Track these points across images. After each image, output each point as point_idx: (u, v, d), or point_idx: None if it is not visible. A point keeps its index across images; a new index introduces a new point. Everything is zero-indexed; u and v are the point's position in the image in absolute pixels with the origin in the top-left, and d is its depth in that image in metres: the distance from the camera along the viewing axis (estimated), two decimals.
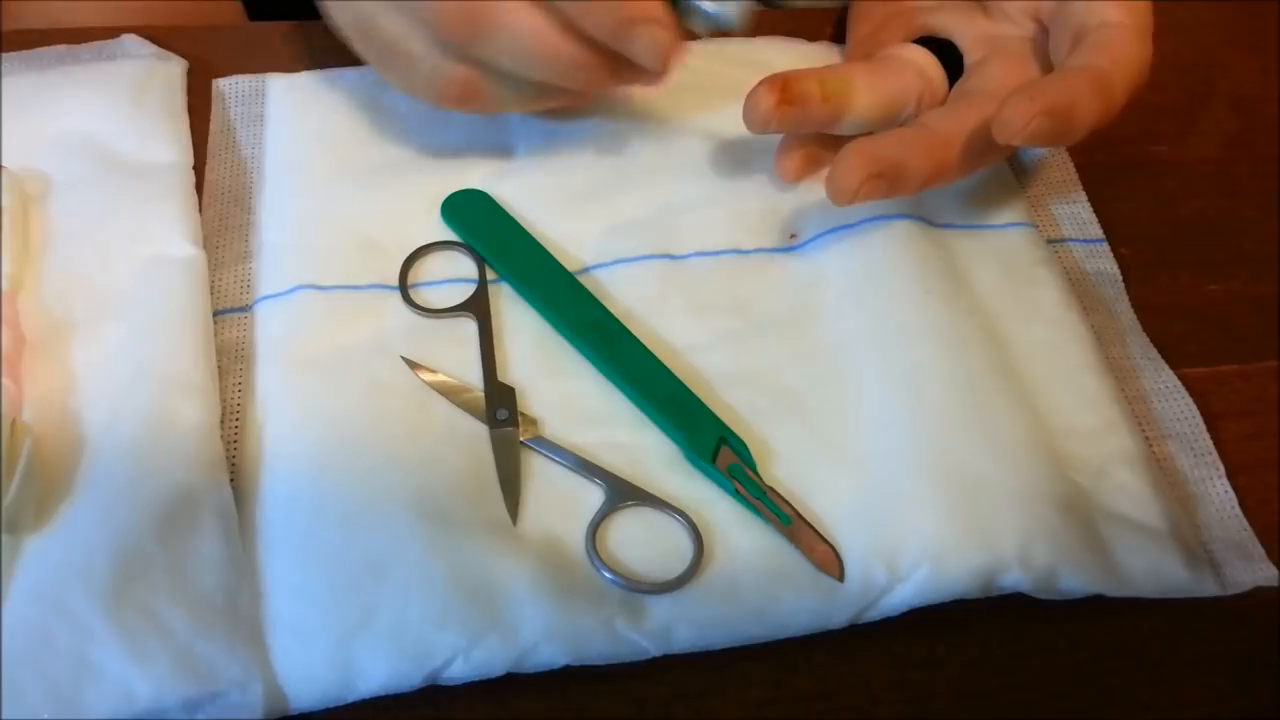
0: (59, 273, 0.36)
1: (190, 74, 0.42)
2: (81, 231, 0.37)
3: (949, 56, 0.40)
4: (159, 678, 0.28)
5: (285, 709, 0.29)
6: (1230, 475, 0.35)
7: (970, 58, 0.39)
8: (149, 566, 0.30)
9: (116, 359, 0.34)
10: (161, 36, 0.43)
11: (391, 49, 0.35)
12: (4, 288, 0.34)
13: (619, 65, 0.34)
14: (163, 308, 0.35)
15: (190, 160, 0.39)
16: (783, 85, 0.36)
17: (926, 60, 0.39)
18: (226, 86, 0.42)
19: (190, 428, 0.32)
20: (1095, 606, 0.32)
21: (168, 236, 0.36)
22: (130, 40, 0.43)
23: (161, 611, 0.29)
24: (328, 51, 0.44)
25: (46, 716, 0.28)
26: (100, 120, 0.39)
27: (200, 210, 0.38)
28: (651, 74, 0.34)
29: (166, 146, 0.39)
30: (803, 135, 0.40)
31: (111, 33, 0.43)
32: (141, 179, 0.38)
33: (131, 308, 0.35)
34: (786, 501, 0.32)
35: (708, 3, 0.35)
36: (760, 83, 0.36)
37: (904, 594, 0.31)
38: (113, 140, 0.39)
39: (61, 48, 0.42)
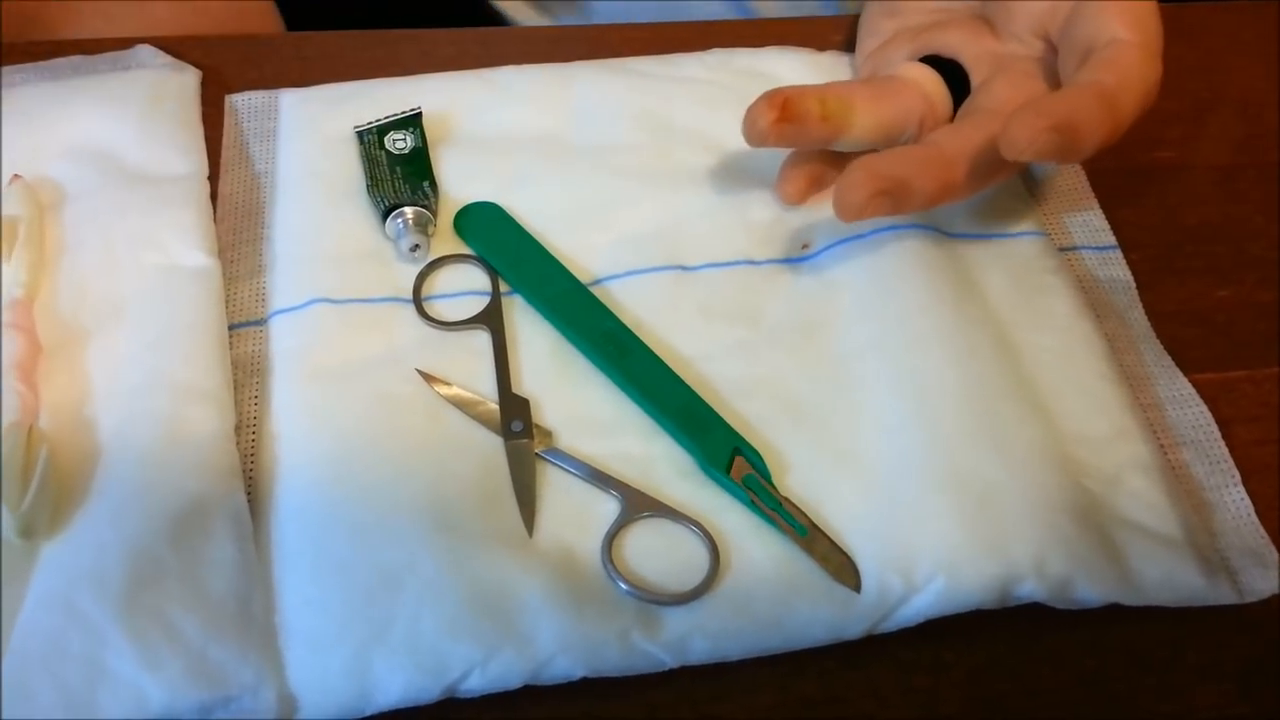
0: (74, 281, 0.36)
1: (202, 84, 0.43)
2: (96, 240, 0.37)
3: (955, 76, 0.40)
4: (171, 682, 0.29)
5: (296, 715, 0.29)
6: None
7: (976, 77, 0.40)
8: (162, 572, 0.30)
9: (130, 366, 0.34)
10: (175, 46, 0.43)
11: None
12: (20, 296, 0.35)
13: None
14: (177, 316, 0.35)
15: (205, 170, 0.39)
16: (783, 102, 0.36)
17: (930, 81, 0.40)
18: (240, 101, 0.42)
19: (204, 435, 0.33)
20: (1103, 612, 0.32)
21: (182, 246, 0.37)
22: (145, 50, 0.43)
23: (174, 616, 0.29)
24: (340, 61, 0.45)
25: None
26: (115, 130, 0.40)
27: (214, 225, 0.38)
28: None
29: (181, 156, 0.39)
30: (805, 155, 0.40)
31: (126, 43, 0.43)
32: (156, 188, 0.38)
33: (146, 316, 0.35)
34: (802, 512, 0.33)
35: (397, 222, 0.38)
36: (760, 97, 0.37)
37: (920, 605, 0.31)
38: (127, 150, 0.39)
39: (76, 58, 0.42)
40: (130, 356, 0.34)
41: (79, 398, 0.33)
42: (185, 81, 0.42)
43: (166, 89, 0.41)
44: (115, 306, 0.35)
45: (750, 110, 0.37)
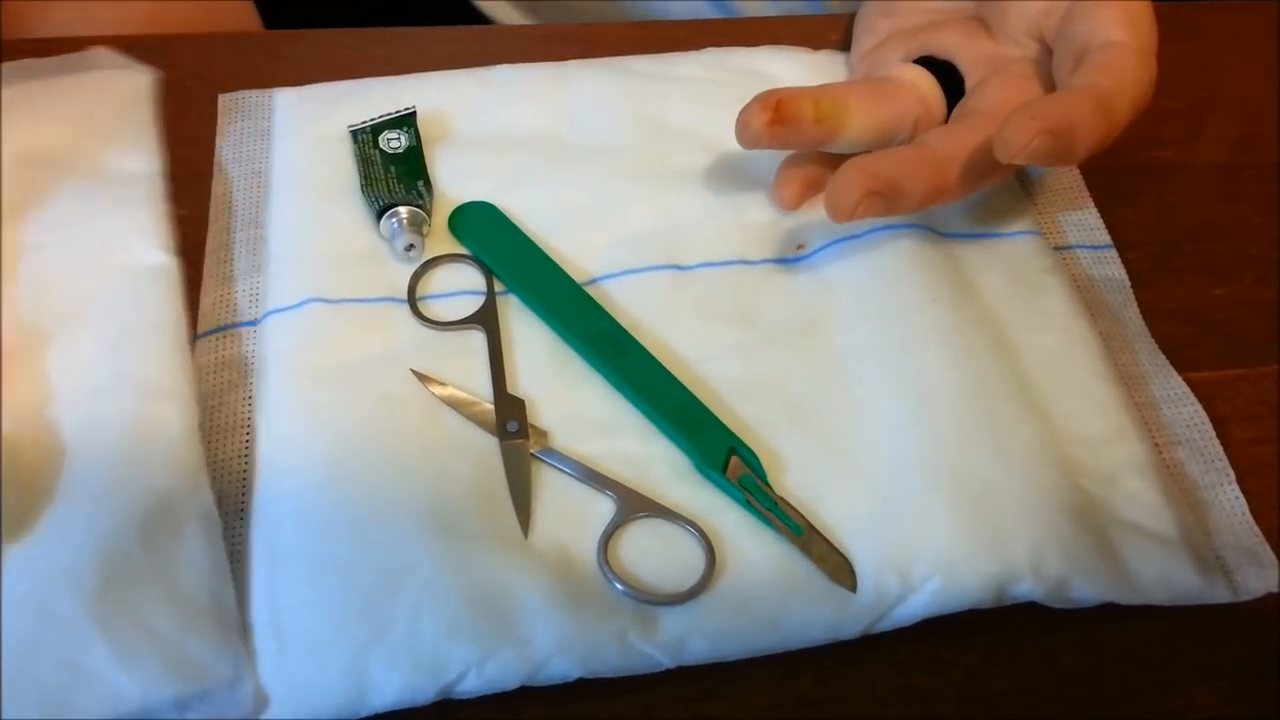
0: (32, 283, 0.36)
1: (194, 83, 0.43)
2: (53, 242, 0.37)
3: (950, 78, 0.40)
4: (148, 678, 0.28)
5: (268, 706, 0.29)
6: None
7: (971, 79, 0.39)
8: (134, 570, 0.30)
9: (92, 367, 0.34)
10: (168, 45, 0.43)
11: None
12: None
13: None
14: (137, 315, 0.35)
15: (161, 169, 0.39)
16: (776, 104, 0.36)
17: (926, 82, 0.39)
18: (233, 100, 0.42)
19: (170, 433, 0.33)
20: (1098, 610, 0.32)
21: (139, 245, 0.37)
22: (100, 52, 0.43)
23: (148, 613, 0.29)
24: (335, 59, 0.45)
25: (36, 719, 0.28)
26: (69, 131, 0.39)
27: (207, 224, 0.39)
28: None
29: (135, 155, 0.39)
30: (802, 158, 0.40)
31: (81, 44, 0.43)
32: (111, 188, 0.38)
33: (106, 316, 0.35)
34: (798, 512, 0.33)
35: (392, 221, 0.37)
36: (753, 99, 0.36)
37: (917, 604, 0.31)
38: (82, 151, 0.39)
39: (30, 60, 0.42)
40: (92, 357, 0.34)
41: (41, 400, 0.33)
42: (138, 81, 0.42)
43: (120, 89, 0.41)
44: (77, 307, 0.35)
45: (743, 112, 0.36)
